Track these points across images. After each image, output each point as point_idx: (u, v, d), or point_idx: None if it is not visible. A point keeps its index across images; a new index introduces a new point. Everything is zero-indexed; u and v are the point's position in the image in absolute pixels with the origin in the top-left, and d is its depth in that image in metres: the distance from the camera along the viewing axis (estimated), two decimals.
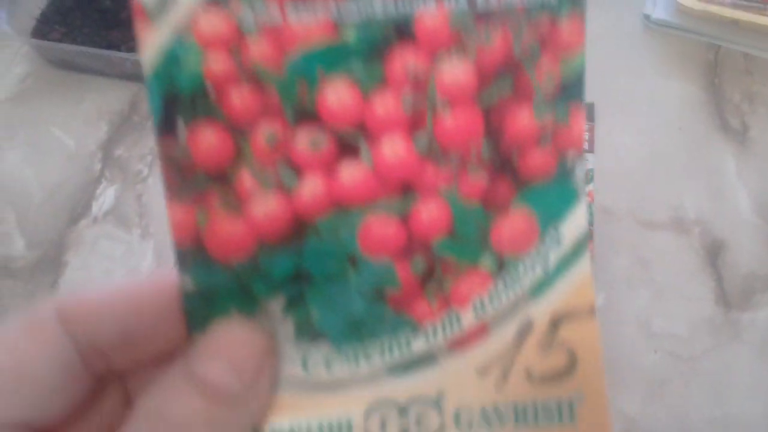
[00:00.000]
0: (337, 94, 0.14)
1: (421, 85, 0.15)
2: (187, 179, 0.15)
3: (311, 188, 0.15)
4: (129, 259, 0.49)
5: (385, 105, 0.15)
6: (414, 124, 0.15)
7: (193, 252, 0.16)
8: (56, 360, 0.16)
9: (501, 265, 0.16)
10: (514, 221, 0.16)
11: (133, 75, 0.56)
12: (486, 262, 0.16)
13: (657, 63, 0.53)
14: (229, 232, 0.16)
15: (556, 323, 0.16)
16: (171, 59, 0.14)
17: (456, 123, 0.15)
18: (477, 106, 0.15)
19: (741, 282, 0.44)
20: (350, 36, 0.14)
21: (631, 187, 0.48)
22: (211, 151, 0.15)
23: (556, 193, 0.16)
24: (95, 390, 0.19)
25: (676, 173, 0.48)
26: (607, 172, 0.48)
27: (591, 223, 0.47)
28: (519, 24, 0.14)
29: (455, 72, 0.14)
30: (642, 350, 0.42)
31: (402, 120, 0.15)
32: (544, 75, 0.15)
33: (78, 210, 0.54)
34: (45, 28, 0.56)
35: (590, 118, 0.51)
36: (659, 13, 0.54)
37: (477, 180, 0.16)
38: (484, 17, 0.14)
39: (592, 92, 0.50)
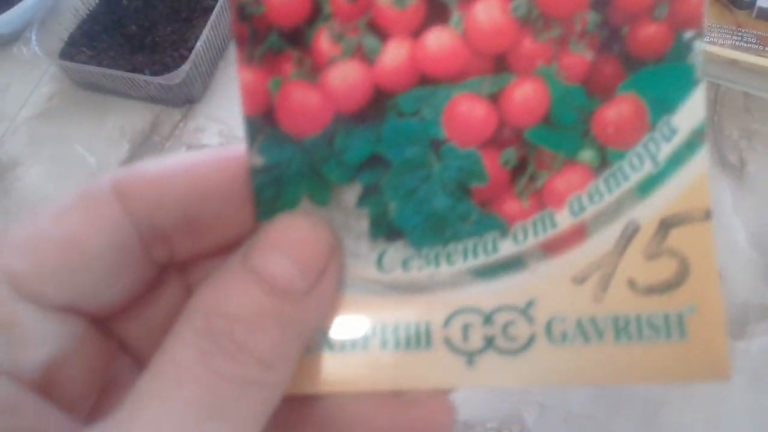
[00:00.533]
0: None
1: None
2: (260, 38, 0.14)
3: (394, 55, 0.14)
4: None
5: None
6: None
7: (263, 121, 0.15)
8: (112, 238, 0.15)
9: (603, 159, 0.14)
10: (620, 107, 0.14)
11: (156, 97, 0.58)
12: (586, 155, 0.14)
13: None
14: (303, 100, 0.15)
15: (665, 227, 0.14)
16: None
17: None
18: None
19: (736, 311, 0.45)
20: None
21: None
22: (287, 4, 0.13)
23: (670, 76, 0.14)
24: (154, 281, 0.17)
25: None
26: None
27: None
28: None
29: None
30: None
31: None
32: None
33: None
34: (72, 51, 0.59)
35: None
36: None
37: (580, 57, 0.14)
38: None
39: None
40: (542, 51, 0.14)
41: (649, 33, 0.14)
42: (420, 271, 0.15)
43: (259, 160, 0.15)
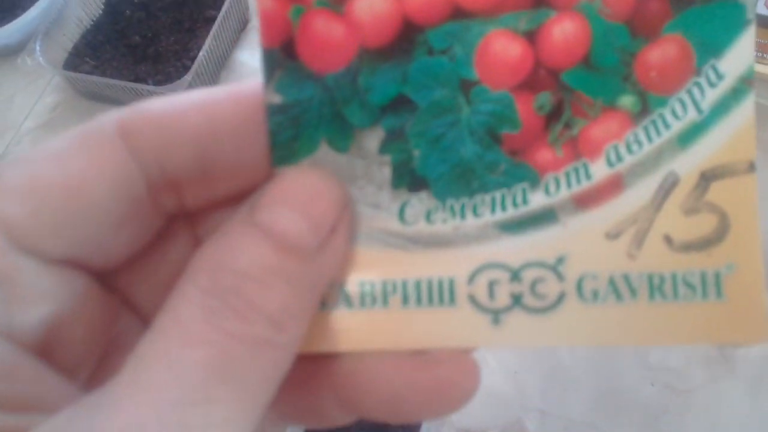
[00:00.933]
0: None
1: None
2: None
3: None
4: None
5: None
6: None
7: (281, 54, 0.14)
8: (118, 185, 0.13)
9: (644, 105, 0.13)
10: (665, 49, 0.13)
11: None
12: (626, 101, 0.13)
13: None
14: (326, 31, 0.13)
15: (707, 179, 0.13)
16: None
17: None
18: None
19: None
20: None
21: None
22: None
23: (720, 15, 0.13)
24: (161, 231, 0.15)
25: None
26: None
27: None
28: None
29: None
30: (639, 382, 0.44)
31: None
32: None
33: None
34: (76, 61, 0.60)
35: None
36: None
37: None
38: None
39: None
40: None
41: None
42: (444, 223, 0.14)
43: (276, 98, 0.14)
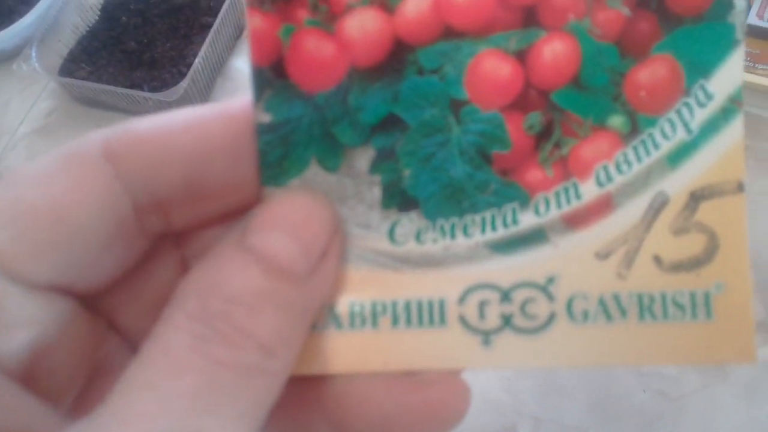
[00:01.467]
0: None
1: None
2: None
3: (418, 4, 0.13)
4: None
5: None
6: None
7: (271, 73, 0.14)
8: (104, 208, 0.13)
9: (634, 125, 0.13)
10: (655, 69, 0.13)
11: (154, 113, 0.60)
12: (616, 121, 0.13)
13: None
14: (316, 51, 0.13)
15: (696, 199, 0.13)
16: None
17: None
18: None
19: None
20: None
21: None
22: None
23: (709, 36, 0.13)
24: (148, 253, 0.15)
25: None
26: None
27: None
28: None
29: None
30: (632, 389, 0.44)
31: None
32: None
33: None
34: (72, 67, 0.60)
35: None
36: None
37: (616, 12, 0.13)
38: None
39: None
40: (575, 4, 0.13)
41: None
42: (434, 243, 0.14)
43: (265, 117, 0.14)
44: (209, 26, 0.57)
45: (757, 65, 0.55)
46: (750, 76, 0.52)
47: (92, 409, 0.11)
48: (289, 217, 0.13)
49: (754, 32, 0.56)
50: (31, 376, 0.13)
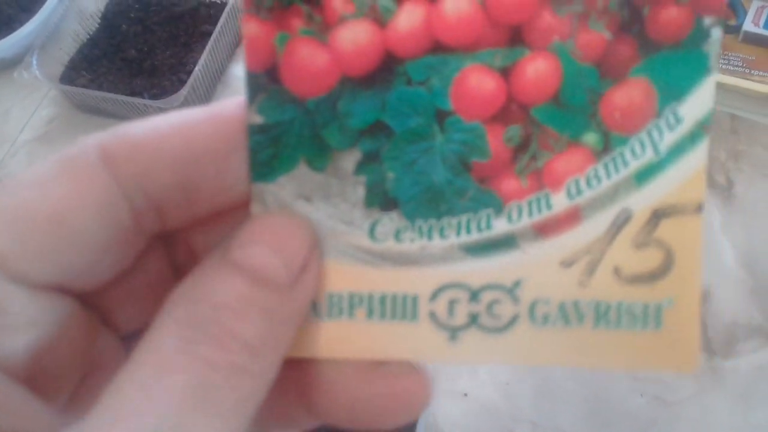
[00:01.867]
0: None
1: None
2: None
3: (409, 19, 0.14)
4: None
5: None
6: None
7: (265, 79, 0.14)
8: (102, 211, 0.14)
9: (607, 144, 0.14)
10: (630, 91, 0.14)
11: None
12: (590, 138, 0.14)
13: None
14: (309, 59, 0.14)
15: (657, 217, 0.14)
16: None
17: None
18: None
19: (724, 330, 0.47)
20: None
21: None
22: None
23: (685, 62, 0.14)
24: (142, 252, 0.16)
25: None
26: None
27: None
28: None
29: None
30: (629, 393, 0.45)
31: None
32: None
33: None
34: (72, 74, 0.60)
35: None
36: None
37: (599, 35, 0.14)
38: None
39: None
40: (560, 26, 0.14)
41: (670, 16, 0.14)
42: (412, 243, 0.15)
43: (257, 119, 0.14)
44: (209, 34, 0.58)
45: (752, 71, 0.56)
46: (746, 82, 0.52)
47: (85, 407, 0.12)
48: (270, 234, 0.14)
49: (750, 39, 0.56)
50: (30, 375, 0.14)
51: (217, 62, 0.60)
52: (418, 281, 0.15)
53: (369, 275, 0.15)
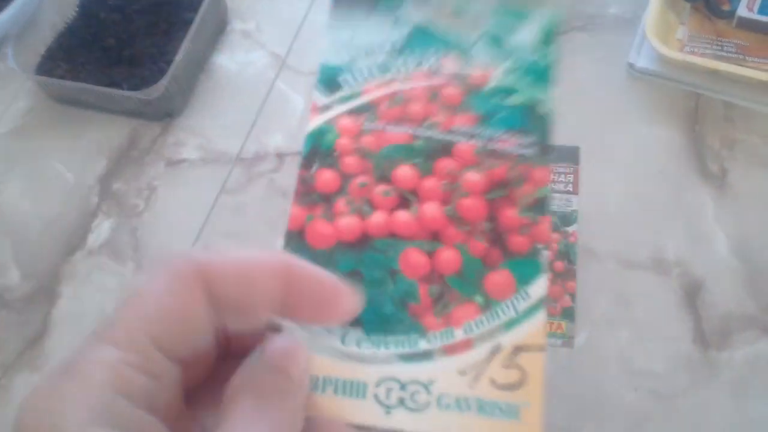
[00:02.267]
0: (405, 171, 0.25)
1: (453, 178, 0.25)
2: (308, 194, 0.25)
3: (378, 219, 0.25)
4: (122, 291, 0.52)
5: (431, 184, 0.25)
6: (445, 199, 0.25)
7: (297, 237, 0.24)
8: (204, 315, 0.20)
9: (487, 303, 0.24)
10: (500, 276, 0.24)
11: (134, 111, 0.59)
12: (478, 299, 0.24)
13: (640, 109, 0.57)
14: (322, 230, 0.25)
15: (517, 350, 0.23)
16: (321, 132, 0.26)
17: (470, 204, 0.25)
18: (484, 199, 0.24)
19: (718, 322, 0.47)
20: (419, 143, 0.25)
21: (613, 228, 0.51)
22: (326, 183, 0.25)
23: (528, 265, 0.24)
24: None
25: (657, 216, 0.51)
26: (591, 213, 0.51)
27: (574, 263, 0.49)
28: (512, 163, 0.25)
29: (474, 177, 0.25)
30: (623, 388, 0.45)
31: (439, 195, 0.25)
32: (525, 194, 0.24)
33: (74, 242, 0.56)
34: (49, 65, 0.60)
35: (575, 161, 0.54)
36: (643, 62, 0.58)
37: (480, 243, 0.24)
38: (493, 154, 0.25)
39: (578, 136, 0.53)
40: (459, 235, 0.24)
41: (518, 240, 0.24)
42: (368, 349, 0.23)
43: None
44: (190, 22, 0.57)
45: (747, 58, 0.56)
46: (740, 68, 0.52)
47: None
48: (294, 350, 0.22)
49: (744, 24, 0.56)
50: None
51: (199, 51, 0.59)
52: (368, 374, 0.23)
53: (337, 366, 0.23)
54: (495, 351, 0.23)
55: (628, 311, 0.48)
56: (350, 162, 0.25)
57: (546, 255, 0.24)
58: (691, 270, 0.49)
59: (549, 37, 0.26)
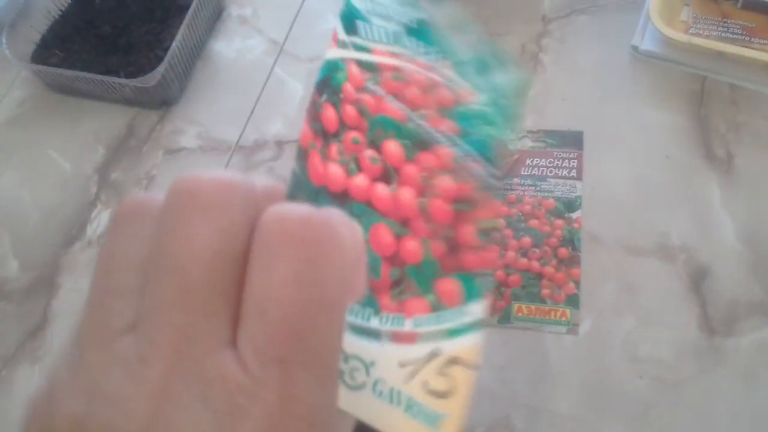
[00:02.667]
0: (394, 146, 0.25)
1: (431, 175, 0.25)
2: (315, 121, 0.24)
3: (360, 182, 0.25)
4: None
5: (413, 171, 0.25)
6: (421, 191, 0.24)
7: (303, 156, 0.24)
8: None
9: (437, 305, 0.24)
10: (451, 284, 0.24)
11: (131, 99, 0.59)
12: (430, 298, 0.24)
13: (644, 93, 0.56)
14: (316, 164, 0.24)
15: (453, 361, 0.23)
16: (336, 66, 0.25)
17: (439, 206, 0.25)
18: (452, 207, 0.24)
19: (724, 308, 0.46)
20: (411, 126, 0.25)
21: (619, 215, 0.50)
22: (328, 119, 0.25)
23: (473, 284, 0.24)
24: None
25: (663, 201, 0.51)
26: (595, 199, 0.50)
27: (579, 249, 0.49)
28: (479, 185, 0.24)
29: (448, 182, 0.25)
30: (628, 375, 0.44)
31: (418, 184, 0.25)
32: (481, 218, 0.25)
33: (73, 232, 0.56)
34: (44, 53, 0.59)
35: (579, 146, 0.53)
36: (647, 44, 0.57)
37: (440, 246, 0.24)
38: (466, 169, 0.25)
39: (581, 121, 0.53)
40: (426, 231, 0.24)
41: (470, 258, 0.23)
42: None
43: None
44: (186, 8, 0.56)
45: (753, 39, 0.55)
46: (746, 50, 0.51)
47: None
48: None
49: (750, 5, 0.55)
50: None
51: (195, 37, 0.58)
52: None
53: None
54: (434, 354, 0.23)
55: (634, 298, 0.47)
56: (350, 112, 0.25)
57: (490, 281, 0.24)
58: (696, 256, 0.48)
59: (522, 92, 0.26)
